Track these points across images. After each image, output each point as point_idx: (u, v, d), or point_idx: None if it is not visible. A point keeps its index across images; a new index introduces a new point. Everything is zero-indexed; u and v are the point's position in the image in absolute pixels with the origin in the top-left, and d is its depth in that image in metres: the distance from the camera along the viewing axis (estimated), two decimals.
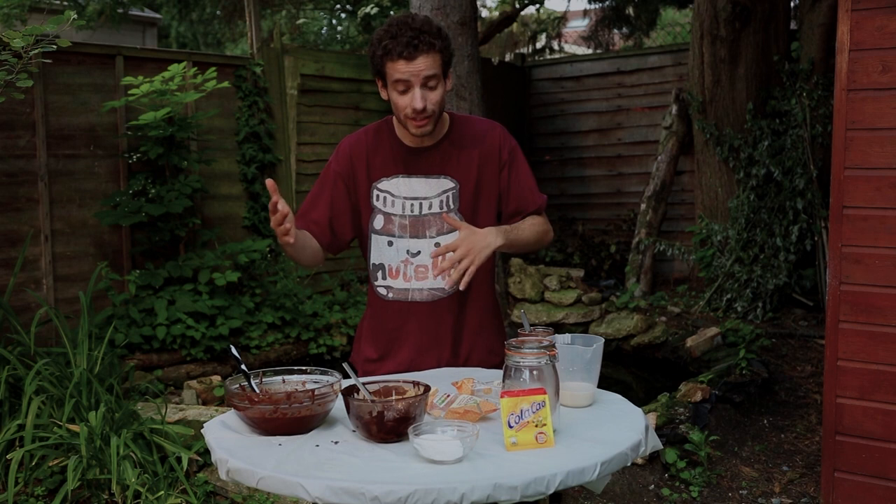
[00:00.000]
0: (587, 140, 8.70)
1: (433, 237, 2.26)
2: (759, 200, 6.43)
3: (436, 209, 2.26)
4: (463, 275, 2.08)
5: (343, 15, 12.47)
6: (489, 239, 2.13)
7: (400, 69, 2.09)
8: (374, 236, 2.30)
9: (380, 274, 2.30)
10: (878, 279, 2.96)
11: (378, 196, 2.28)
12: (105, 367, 3.87)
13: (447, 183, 2.26)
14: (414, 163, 2.25)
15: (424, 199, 2.26)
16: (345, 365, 1.94)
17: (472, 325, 2.32)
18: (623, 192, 8.44)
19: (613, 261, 8.02)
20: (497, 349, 2.38)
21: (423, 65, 2.08)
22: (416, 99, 2.11)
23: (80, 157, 5.25)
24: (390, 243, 2.28)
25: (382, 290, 2.30)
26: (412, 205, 2.26)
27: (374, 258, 2.31)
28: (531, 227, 2.28)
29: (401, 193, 2.26)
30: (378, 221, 2.29)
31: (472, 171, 2.27)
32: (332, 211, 2.29)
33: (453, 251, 2.10)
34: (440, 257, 2.14)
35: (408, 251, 2.27)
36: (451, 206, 2.26)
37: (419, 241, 2.26)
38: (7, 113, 4.85)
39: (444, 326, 2.27)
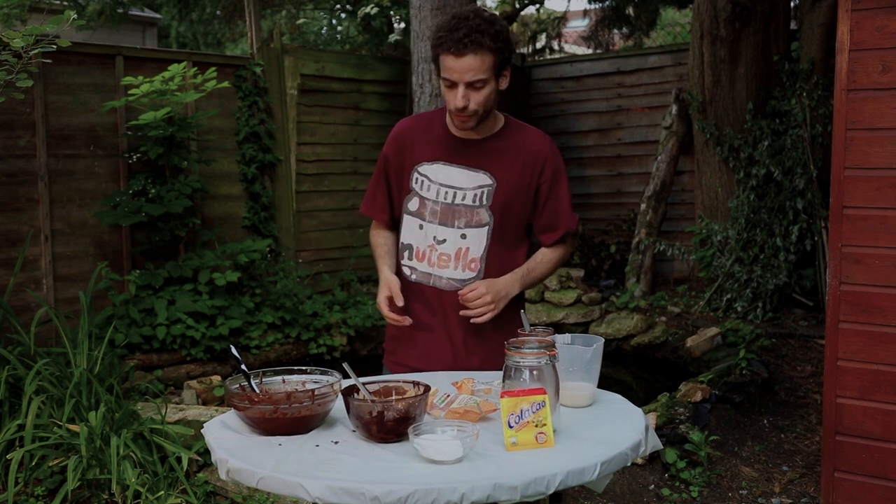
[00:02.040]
0: (587, 140, 8.69)
1: (461, 228, 2.30)
2: (759, 200, 6.43)
3: (469, 201, 2.29)
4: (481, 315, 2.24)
5: (343, 15, 12.47)
6: (508, 289, 2.28)
7: (448, 65, 2.15)
8: (406, 217, 2.36)
9: (407, 254, 2.36)
10: (878, 279, 2.96)
11: (417, 179, 2.33)
12: (105, 367, 3.87)
13: (485, 179, 2.29)
14: (457, 152, 2.29)
15: (459, 188, 2.29)
16: (345, 365, 1.94)
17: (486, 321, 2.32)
18: (623, 192, 8.43)
19: (613, 261, 8.02)
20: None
21: (470, 65, 2.13)
22: (457, 97, 2.17)
23: (80, 157, 5.25)
24: (421, 226, 2.33)
25: (407, 270, 2.36)
26: (446, 192, 2.30)
27: (405, 238, 2.37)
28: (546, 265, 2.39)
29: (438, 179, 2.30)
30: (413, 203, 2.35)
31: (513, 175, 2.30)
32: (390, 196, 2.41)
33: (476, 293, 2.22)
34: (465, 294, 2.24)
35: (434, 237, 2.31)
36: (484, 203, 2.29)
37: (446, 230, 2.30)
38: (7, 113, 4.85)
39: (457, 317, 2.28)
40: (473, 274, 2.31)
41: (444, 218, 2.31)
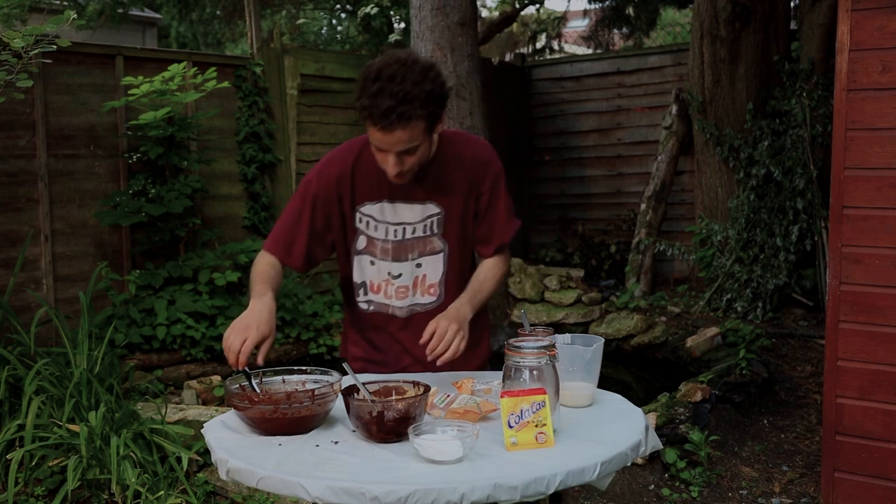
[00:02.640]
0: (587, 140, 8.70)
1: (414, 259, 2.23)
2: (759, 200, 6.43)
3: (419, 233, 2.21)
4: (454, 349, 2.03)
5: (343, 15, 12.46)
6: (464, 310, 2.10)
7: (375, 136, 1.99)
8: (356, 256, 2.26)
9: (362, 291, 2.28)
10: (878, 279, 2.96)
11: (361, 219, 2.23)
12: (105, 367, 3.87)
13: (433, 208, 2.20)
14: (398, 188, 2.17)
15: (409, 224, 2.21)
16: (345, 365, 1.94)
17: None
18: (623, 192, 8.44)
19: (613, 261, 8.02)
20: (480, 353, 2.36)
21: (399, 138, 1.96)
22: (389, 165, 2.03)
23: (80, 157, 5.25)
24: (372, 262, 2.25)
25: (364, 305, 2.28)
26: (395, 230, 2.21)
27: (357, 277, 2.28)
28: (491, 282, 2.24)
29: (384, 218, 2.21)
30: (361, 242, 2.25)
31: (458, 198, 2.21)
32: (311, 239, 2.23)
33: (439, 331, 2.01)
34: (429, 337, 2.04)
35: (389, 273, 2.24)
36: (435, 231, 2.21)
37: (401, 265, 2.23)
38: (7, 113, 4.85)
39: (419, 337, 2.12)
40: (433, 298, 2.25)
41: (396, 255, 2.22)
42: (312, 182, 2.23)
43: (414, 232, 2.21)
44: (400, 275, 2.23)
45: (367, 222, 2.23)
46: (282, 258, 2.23)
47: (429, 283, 2.24)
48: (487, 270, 2.26)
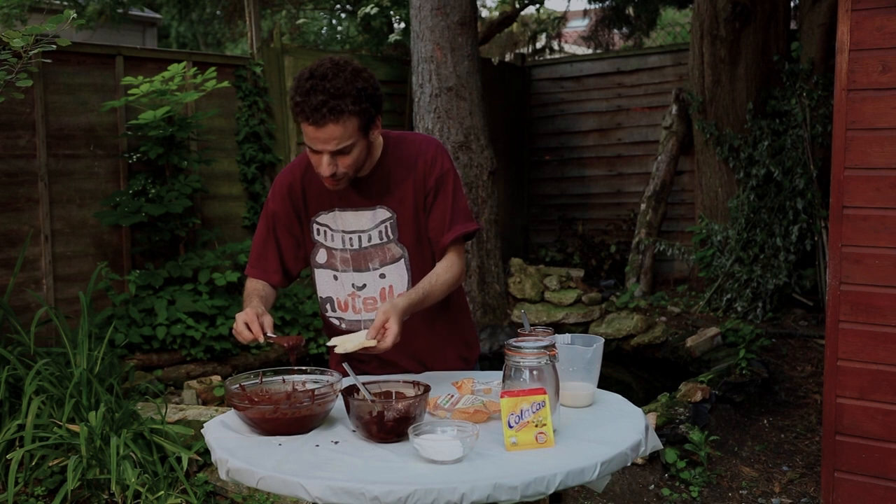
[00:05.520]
0: (587, 140, 8.70)
1: (377, 269, 2.20)
2: (759, 200, 6.43)
3: (375, 241, 2.18)
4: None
5: (343, 15, 12.47)
6: (406, 314, 2.01)
7: (308, 133, 1.99)
8: (318, 270, 2.26)
9: (329, 306, 2.27)
10: (878, 279, 2.96)
11: (318, 230, 2.23)
12: (105, 367, 3.87)
13: (384, 213, 2.17)
14: (346, 196, 2.16)
15: (363, 231, 2.18)
16: (345, 365, 1.94)
17: (432, 341, 2.24)
18: (623, 192, 8.44)
19: (613, 261, 8.02)
20: (466, 354, 2.36)
21: (332, 134, 1.96)
22: (322, 166, 2.02)
23: (80, 157, 5.25)
24: (335, 277, 2.23)
25: (335, 321, 2.27)
26: (350, 238, 2.19)
27: (322, 291, 2.27)
28: (443, 287, 2.14)
29: (338, 227, 2.20)
30: (321, 256, 2.24)
31: (408, 200, 2.17)
32: (281, 255, 2.27)
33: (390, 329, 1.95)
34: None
35: (353, 285, 2.22)
36: (391, 237, 2.18)
37: (363, 275, 2.20)
38: (7, 113, 4.85)
39: (402, 348, 2.06)
40: None
41: (356, 264, 2.19)
42: (269, 201, 2.27)
43: (370, 240, 2.19)
44: (364, 285, 2.21)
45: (325, 232, 2.22)
46: (263, 279, 2.28)
47: (397, 294, 2.18)
48: (440, 275, 2.15)
